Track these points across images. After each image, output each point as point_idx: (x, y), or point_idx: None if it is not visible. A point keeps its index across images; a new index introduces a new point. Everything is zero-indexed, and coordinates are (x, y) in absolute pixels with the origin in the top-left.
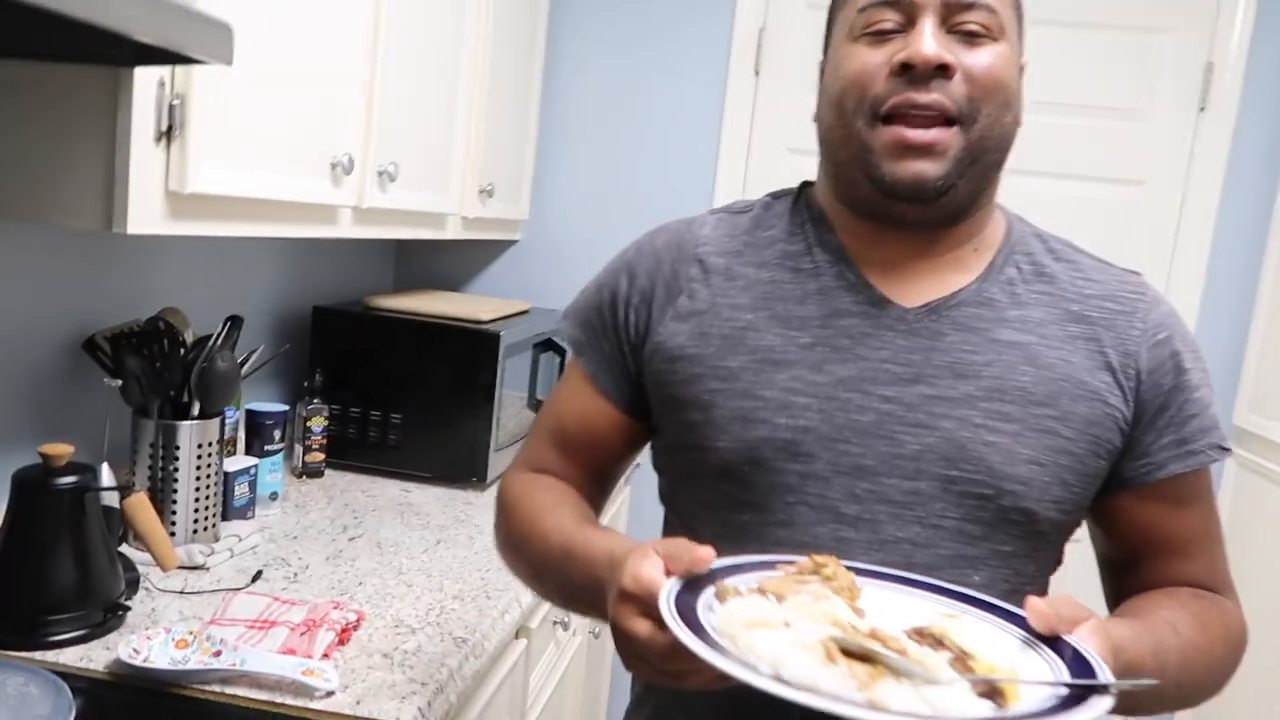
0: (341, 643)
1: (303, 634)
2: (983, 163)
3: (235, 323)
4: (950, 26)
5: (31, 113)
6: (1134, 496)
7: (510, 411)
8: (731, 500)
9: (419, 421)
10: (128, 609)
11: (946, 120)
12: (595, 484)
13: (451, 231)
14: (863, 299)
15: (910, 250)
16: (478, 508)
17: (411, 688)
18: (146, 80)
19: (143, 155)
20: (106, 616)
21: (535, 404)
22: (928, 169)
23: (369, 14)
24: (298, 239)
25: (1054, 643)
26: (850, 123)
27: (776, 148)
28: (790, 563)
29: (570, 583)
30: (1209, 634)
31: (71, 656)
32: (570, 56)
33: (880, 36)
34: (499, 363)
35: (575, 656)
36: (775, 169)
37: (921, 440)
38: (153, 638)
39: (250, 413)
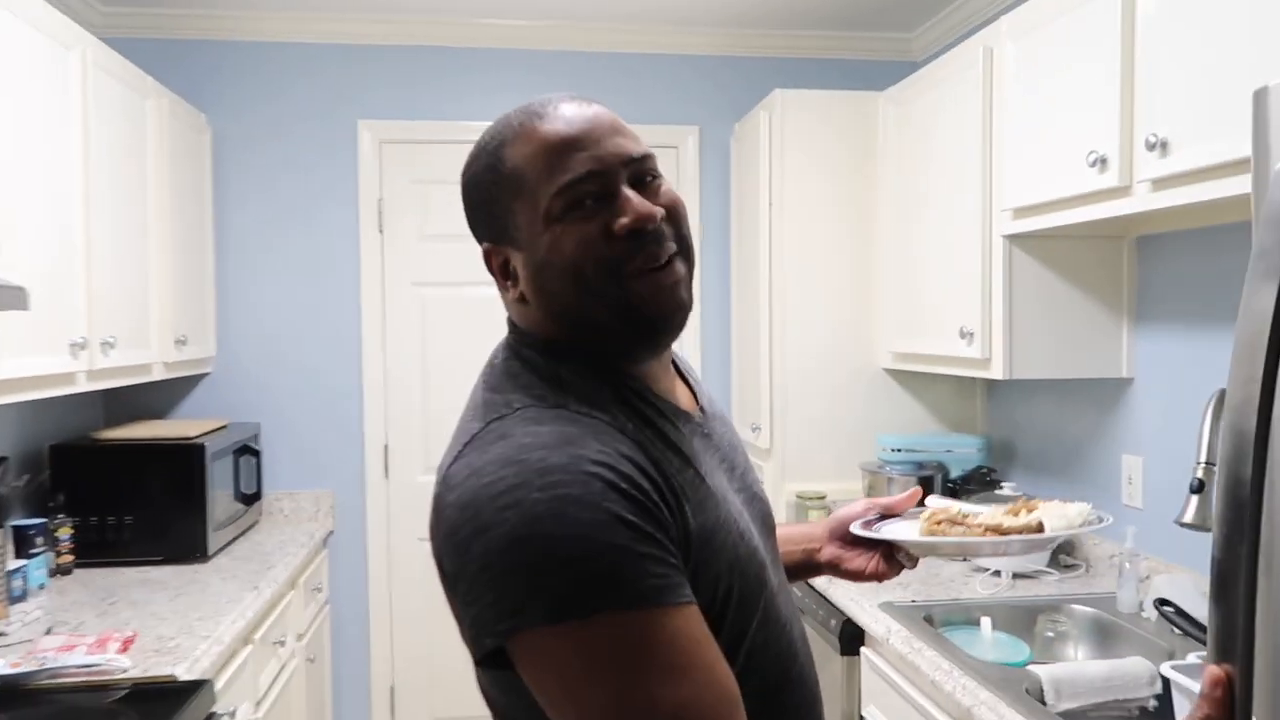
0: (124, 650)
1: (97, 646)
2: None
3: (4, 460)
4: (633, 181)
5: None
6: None
7: (220, 505)
8: (755, 628)
9: (149, 521)
10: None
11: (671, 259)
12: None
13: (157, 375)
14: (683, 421)
15: (666, 371)
16: (203, 573)
17: (171, 659)
18: None
19: None
20: None
21: (241, 496)
22: (684, 299)
23: (81, 259)
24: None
25: None
26: (601, 288)
27: (402, 282)
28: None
29: None
30: None
31: None
32: (237, 230)
33: (583, 211)
34: (207, 466)
35: (296, 670)
36: (401, 297)
37: (756, 509)
38: None
39: (15, 527)
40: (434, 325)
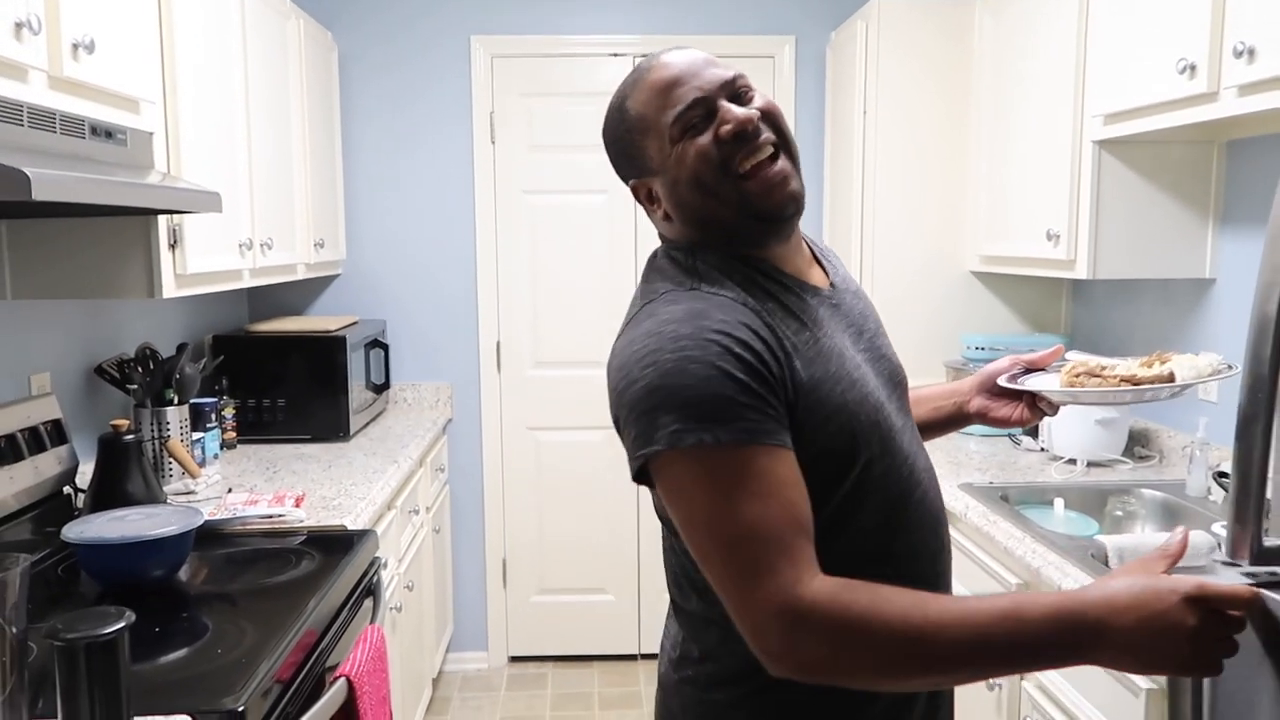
0: (298, 505)
1: (275, 501)
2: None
3: (183, 346)
4: (730, 99)
5: (108, 239)
6: None
7: (357, 391)
8: (870, 460)
9: (297, 403)
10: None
11: (776, 153)
12: None
13: (300, 274)
14: (810, 294)
15: (797, 253)
16: (347, 450)
17: (337, 514)
18: (163, 218)
19: (164, 255)
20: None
21: (372, 385)
22: (794, 189)
23: (245, 168)
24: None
25: None
26: (718, 189)
27: (513, 191)
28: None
29: (1040, 644)
30: None
31: None
32: (361, 141)
33: (695, 130)
34: (347, 355)
35: (425, 537)
36: (512, 205)
37: (883, 366)
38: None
39: (193, 404)
40: (542, 230)
